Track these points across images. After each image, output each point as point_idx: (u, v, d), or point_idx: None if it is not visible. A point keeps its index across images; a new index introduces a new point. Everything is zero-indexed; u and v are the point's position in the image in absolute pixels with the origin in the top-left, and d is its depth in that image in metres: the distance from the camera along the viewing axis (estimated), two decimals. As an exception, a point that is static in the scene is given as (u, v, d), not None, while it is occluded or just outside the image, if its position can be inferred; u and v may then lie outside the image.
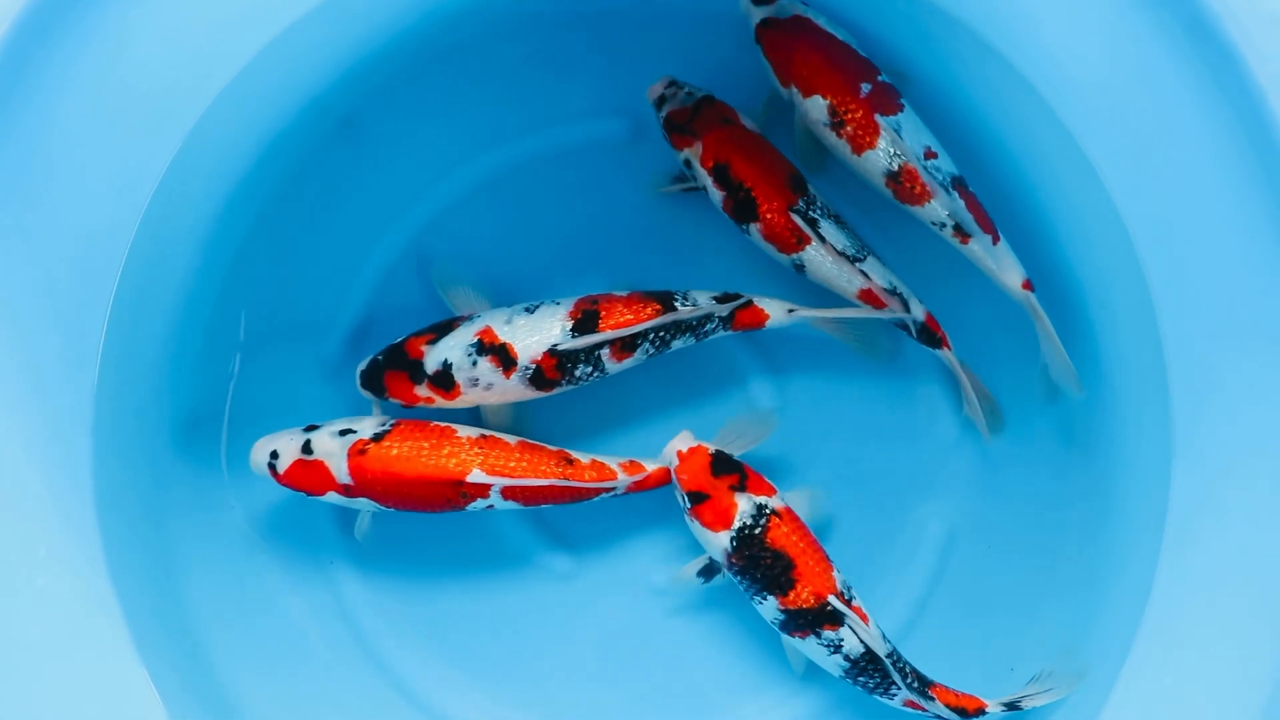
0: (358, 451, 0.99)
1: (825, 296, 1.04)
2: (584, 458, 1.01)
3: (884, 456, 1.08)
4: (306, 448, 0.99)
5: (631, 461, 1.02)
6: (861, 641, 0.96)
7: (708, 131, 1.02)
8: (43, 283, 0.87)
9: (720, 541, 0.98)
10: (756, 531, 0.97)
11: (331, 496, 1.00)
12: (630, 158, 1.09)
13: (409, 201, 1.09)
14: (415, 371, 1.01)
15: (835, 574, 0.98)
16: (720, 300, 1.02)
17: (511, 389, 1.01)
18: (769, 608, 0.98)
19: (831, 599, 0.96)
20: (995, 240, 1.00)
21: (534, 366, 1.00)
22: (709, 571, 1.02)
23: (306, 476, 0.99)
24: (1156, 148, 0.89)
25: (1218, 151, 0.84)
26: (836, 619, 0.96)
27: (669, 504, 1.03)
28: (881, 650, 0.96)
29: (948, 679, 0.99)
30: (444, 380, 1.01)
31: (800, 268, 1.03)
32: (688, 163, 1.04)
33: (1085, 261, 1.00)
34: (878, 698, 0.99)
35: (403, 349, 1.02)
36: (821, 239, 1.01)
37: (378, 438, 0.99)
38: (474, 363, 1.00)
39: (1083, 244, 0.99)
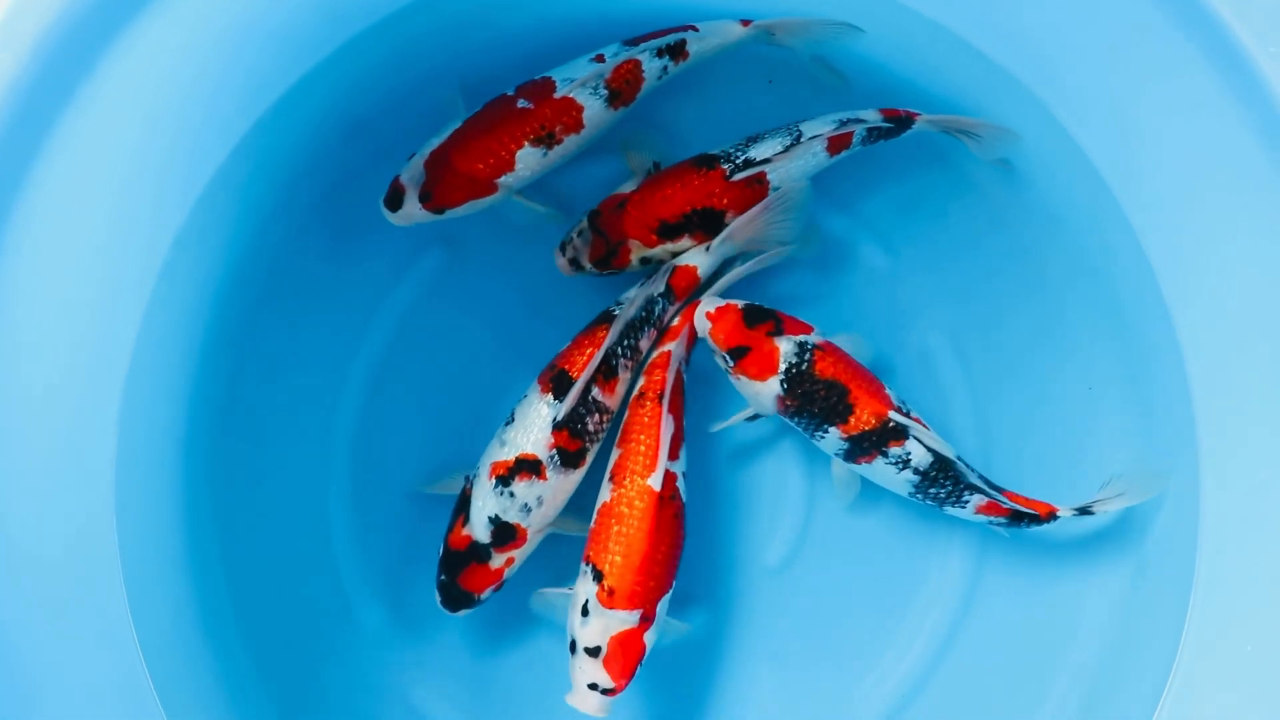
0: (608, 594, 0.95)
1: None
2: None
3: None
4: (593, 652, 0.95)
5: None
6: (930, 449, 0.96)
7: (616, 232, 1.02)
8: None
9: (770, 388, 0.98)
10: (804, 368, 0.97)
11: (650, 637, 0.96)
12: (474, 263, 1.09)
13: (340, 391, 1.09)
14: (478, 553, 0.99)
15: (889, 390, 0.98)
16: (648, 279, 1.02)
17: (558, 486, 0.99)
18: (831, 440, 0.98)
19: (892, 414, 0.97)
20: (695, 29, 1.01)
21: (555, 451, 0.98)
22: (754, 417, 1.02)
23: (629, 652, 0.95)
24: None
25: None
26: (900, 434, 0.97)
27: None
28: (950, 453, 0.97)
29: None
30: (505, 533, 0.99)
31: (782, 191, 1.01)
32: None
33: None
34: (949, 510, 0.99)
35: (450, 551, 1.00)
36: (767, 160, 1.00)
37: (599, 578, 0.96)
38: (511, 494, 0.98)
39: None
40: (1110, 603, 1.03)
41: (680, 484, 0.98)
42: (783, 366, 0.97)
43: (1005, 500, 0.98)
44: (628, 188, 1.03)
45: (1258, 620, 0.89)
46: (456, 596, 1.00)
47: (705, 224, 1.01)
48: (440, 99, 1.03)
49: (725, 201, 1.00)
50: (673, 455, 0.97)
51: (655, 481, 0.96)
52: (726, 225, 1.01)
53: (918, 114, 1.01)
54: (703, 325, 0.99)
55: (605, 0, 1.03)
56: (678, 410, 1.00)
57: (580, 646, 0.95)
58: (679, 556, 0.98)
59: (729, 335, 0.98)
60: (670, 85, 1.03)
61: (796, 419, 0.99)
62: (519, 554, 1.00)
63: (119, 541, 0.93)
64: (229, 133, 0.96)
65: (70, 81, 0.85)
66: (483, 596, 1.00)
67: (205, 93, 0.93)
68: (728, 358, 0.98)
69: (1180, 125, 0.89)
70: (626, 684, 0.95)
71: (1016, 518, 0.98)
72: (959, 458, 0.98)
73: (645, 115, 1.05)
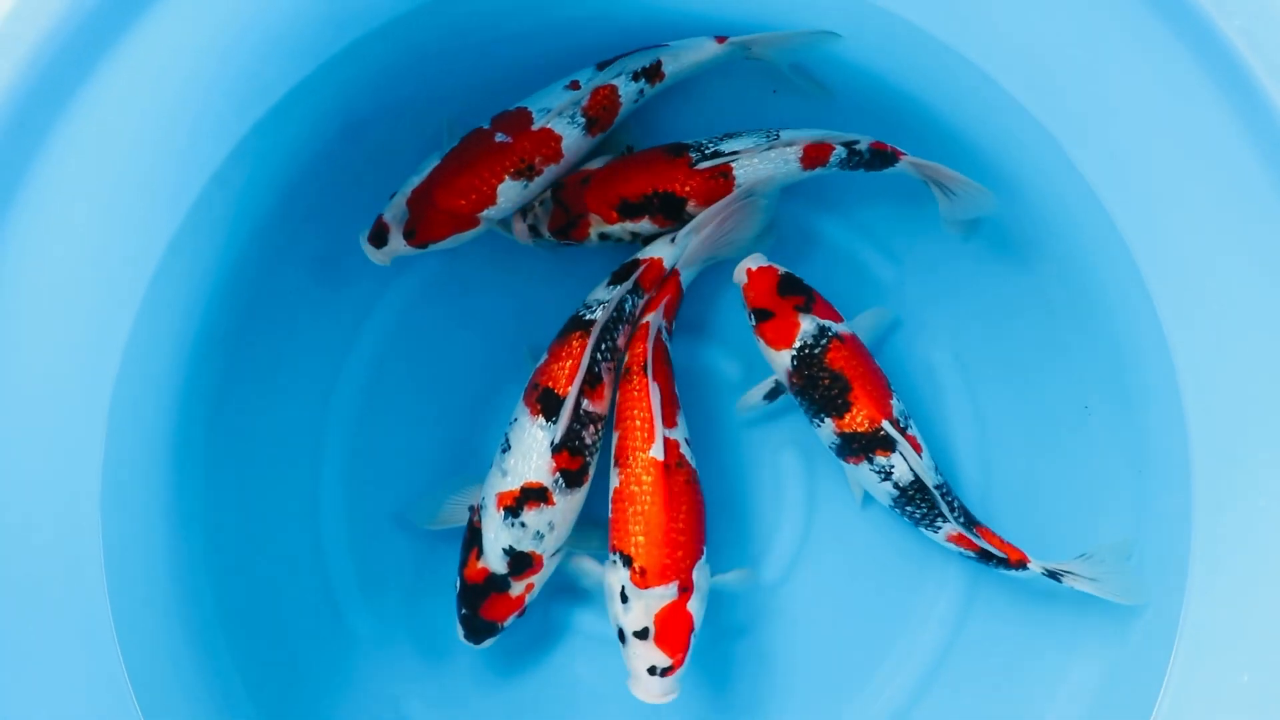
0: (640, 575, 0.94)
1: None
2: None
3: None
4: (642, 634, 0.94)
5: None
6: (910, 469, 0.96)
7: (585, 201, 1.02)
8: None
9: (782, 360, 0.99)
10: (816, 352, 0.98)
11: (695, 607, 0.95)
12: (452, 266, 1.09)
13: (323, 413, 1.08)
14: (496, 583, 0.97)
15: (893, 401, 0.99)
16: (618, 280, 1.00)
17: (566, 507, 0.98)
18: (826, 430, 0.99)
19: (885, 424, 0.97)
20: (666, 45, 1.02)
21: (558, 475, 0.97)
22: (773, 394, 1.03)
23: (678, 625, 0.94)
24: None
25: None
26: (889, 445, 0.97)
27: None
28: (931, 480, 0.97)
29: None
30: (521, 562, 0.97)
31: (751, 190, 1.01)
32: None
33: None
34: (923, 531, 0.99)
35: (466, 585, 0.98)
36: (735, 154, 1.00)
37: (629, 562, 0.94)
38: (523, 524, 0.96)
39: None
40: (1105, 624, 1.02)
41: (685, 450, 0.97)
42: (797, 344, 0.98)
43: (978, 538, 0.97)
44: (594, 165, 1.03)
45: (1252, 648, 0.88)
46: (480, 628, 0.98)
47: (665, 208, 1.01)
48: (439, 114, 1.05)
49: (688, 189, 1.00)
50: (669, 423, 0.97)
51: (657, 452, 0.95)
52: (687, 212, 1.01)
53: (903, 153, 1.01)
54: (741, 278, 1.00)
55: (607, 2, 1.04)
56: (663, 377, 0.99)
57: (629, 633, 0.94)
58: (703, 521, 0.97)
59: (758, 296, 1.00)
60: (665, 93, 1.05)
61: (799, 399, 1.00)
62: (538, 579, 0.98)
63: (104, 546, 0.91)
64: (226, 136, 0.96)
65: (69, 84, 0.84)
66: (505, 624, 0.99)
67: (202, 95, 0.93)
68: (752, 316, 1.00)
69: (1177, 142, 0.88)
70: (684, 658, 0.94)
71: (985, 556, 0.98)
72: (941, 485, 0.98)
73: (637, 114, 1.06)
